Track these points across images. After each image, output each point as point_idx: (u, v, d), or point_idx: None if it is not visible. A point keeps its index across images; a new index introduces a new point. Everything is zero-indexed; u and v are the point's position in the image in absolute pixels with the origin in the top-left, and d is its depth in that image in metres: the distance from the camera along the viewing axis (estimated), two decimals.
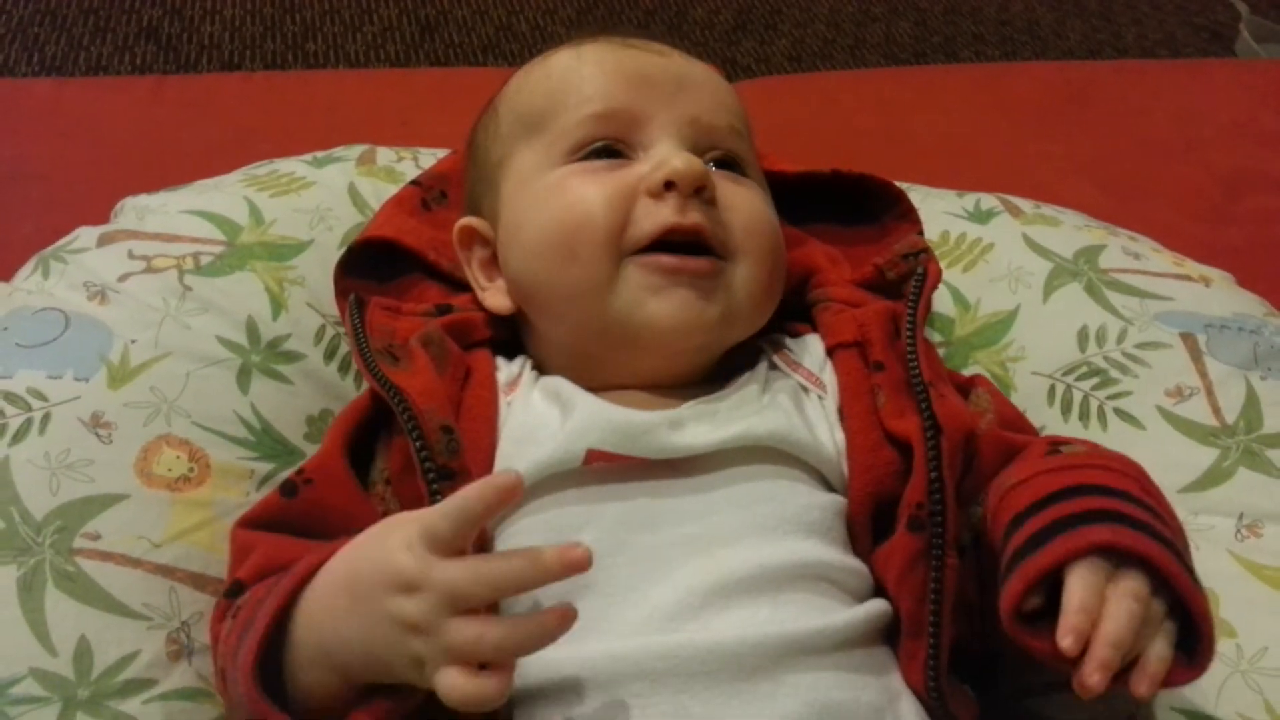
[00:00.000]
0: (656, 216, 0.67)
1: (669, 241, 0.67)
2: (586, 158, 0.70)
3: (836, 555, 0.63)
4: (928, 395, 0.65)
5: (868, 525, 0.65)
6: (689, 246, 0.67)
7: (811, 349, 0.73)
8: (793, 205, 0.82)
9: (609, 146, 0.70)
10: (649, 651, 0.57)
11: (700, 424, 0.65)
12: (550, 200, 0.70)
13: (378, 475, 0.66)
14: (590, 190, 0.68)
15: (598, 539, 0.60)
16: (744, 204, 0.70)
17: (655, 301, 0.67)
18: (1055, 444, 0.64)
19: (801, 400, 0.70)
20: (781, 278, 0.73)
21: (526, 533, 0.62)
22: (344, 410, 0.71)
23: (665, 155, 0.68)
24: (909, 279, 0.73)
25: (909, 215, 0.79)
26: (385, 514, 0.63)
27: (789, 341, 0.75)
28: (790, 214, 0.82)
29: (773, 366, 0.73)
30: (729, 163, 0.72)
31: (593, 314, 0.69)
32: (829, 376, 0.71)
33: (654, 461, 0.64)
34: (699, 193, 0.67)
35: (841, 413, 0.68)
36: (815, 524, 0.64)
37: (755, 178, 0.74)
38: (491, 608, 0.61)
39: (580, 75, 0.73)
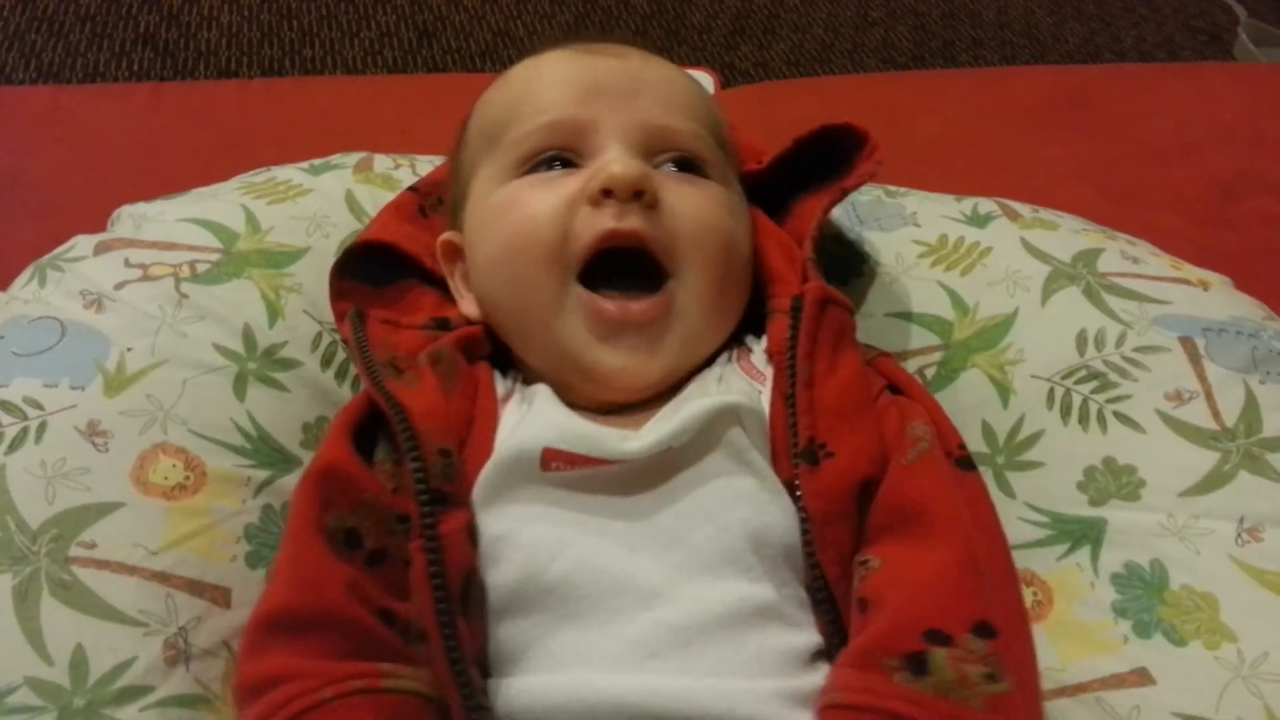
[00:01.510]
0: (595, 224, 0.66)
1: (613, 249, 0.66)
2: (536, 168, 0.70)
3: (819, 579, 0.62)
4: (799, 472, 0.63)
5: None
6: (632, 254, 0.67)
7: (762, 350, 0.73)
8: (777, 191, 0.82)
9: (559, 156, 0.70)
10: (637, 688, 0.56)
11: (655, 423, 0.65)
12: (498, 216, 0.71)
13: (384, 455, 0.66)
14: (534, 203, 0.69)
15: (574, 568, 0.60)
16: (691, 207, 0.69)
17: (602, 349, 0.67)
18: (932, 632, 0.56)
19: (751, 388, 0.70)
20: (738, 282, 0.72)
21: (502, 559, 0.61)
22: (346, 407, 0.70)
23: (603, 162, 0.67)
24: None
25: (874, 153, 0.77)
26: (395, 490, 0.63)
27: (753, 344, 0.75)
28: (781, 206, 0.82)
29: (729, 360, 0.73)
30: (686, 164, 0.71)
31: (545, 337, 0.69)
32: (769, 372, 0.70)
33: (624, 469, 0.63)
34: (639, 197, 0.66)
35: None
36: (794, 548, 0.62)
37: (719, 178, 0.73)
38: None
39: (535, 86, 0.73)
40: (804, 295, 0.69)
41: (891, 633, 0.56)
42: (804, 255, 0.73)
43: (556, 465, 0.62)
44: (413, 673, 0.56)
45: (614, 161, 0.67)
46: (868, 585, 0.59)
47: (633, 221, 0.66)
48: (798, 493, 0.62)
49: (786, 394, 0.66)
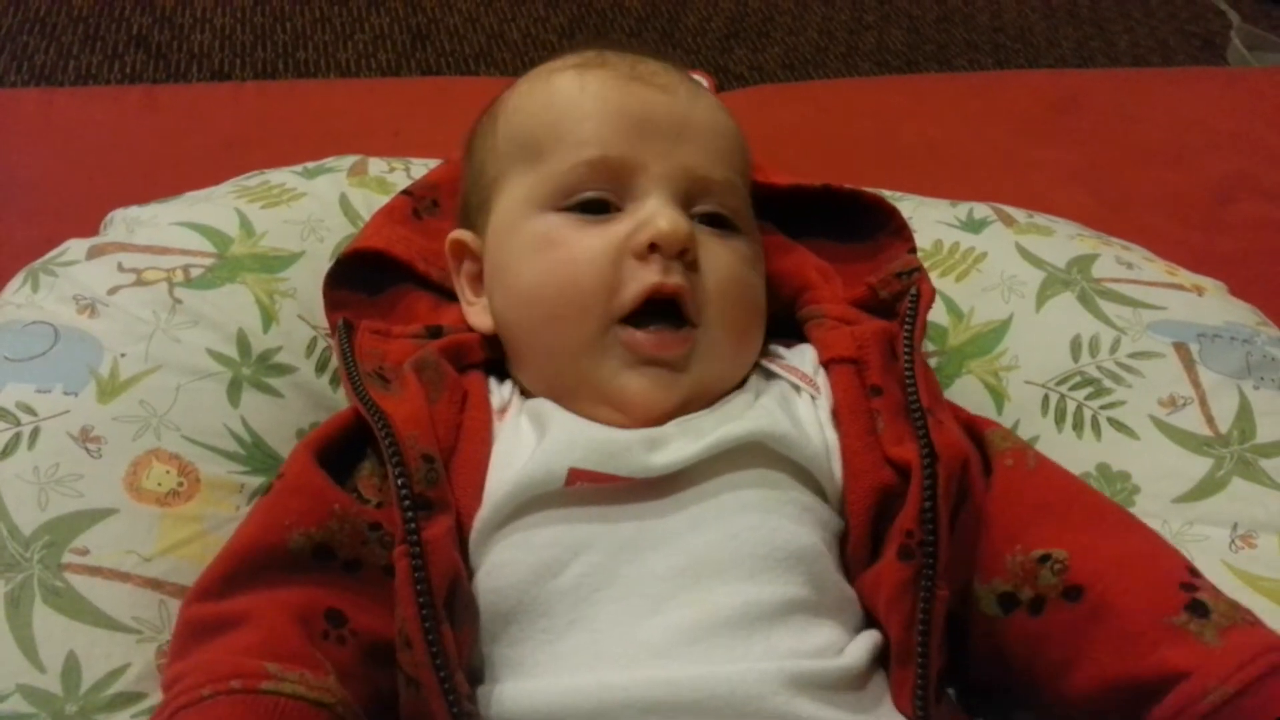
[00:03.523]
0: (642, 279, 0.67)
1: (651, 299, 0.67)
2: (575, 207, 0.70)
3: (828, 585, 0.63)
4: (925, 422, 0.64)
5: (865, 546, 0.65)
6: (667, 308, 0.67)
7: (805, 356, 0.73)
8: (785, 217, 0.82)
9: (600, 198, 0.70)
10: (642, 681, 0.56)
11: (683, 439, 0.65)
12: (540, 253, 0.70)
13: (371, 469, 0.66)
14: (579, 250, 0.68)
15: (586, 573, 0.60)
16: (723, 266, 0.70)
17: (629, 375, 0.67)
18: (1186, 584, 0.59)
19: (790, 400, 0.70)
20: (755, 330, 0.73)
21: (512, 565, 0.62)
22: (320, 426, 0.70)
23: (650, 214, 0.67)
24: (903, 298, 0.73)
25: (901, 232, 0.79)
26: (379, 505, 0.63)
27: (781, 350, 0.75)
28: (783, 226, 0.82)
29: (766, 375, 0.73)
30: (718, 217, 0.72)
31: (569, 371, 0.69)
32: (823, 382, 0.71)
33: (639, 482, 0.63)
34: (682, 255, 0.67)
35: (837, 425, 0.68)
36: (807, 550, 0.63)
37: (746, 228, 0.74)
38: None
39: (581, 111, 0.72)
40: (921, 289, 0.72)
41: (1157, 599, 0.59)
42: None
43: (580, 483, 0.63)
44: (302, 676, 0.55)
45: (661, 217, 0.67)
46: (1075, 574, 0.61)
47: (676, 279, 0.67)
48: (923, 445, 0.63)
49: (906, 367, 0.68)
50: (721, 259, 0.70)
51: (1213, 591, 0.59)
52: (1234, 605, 0.58)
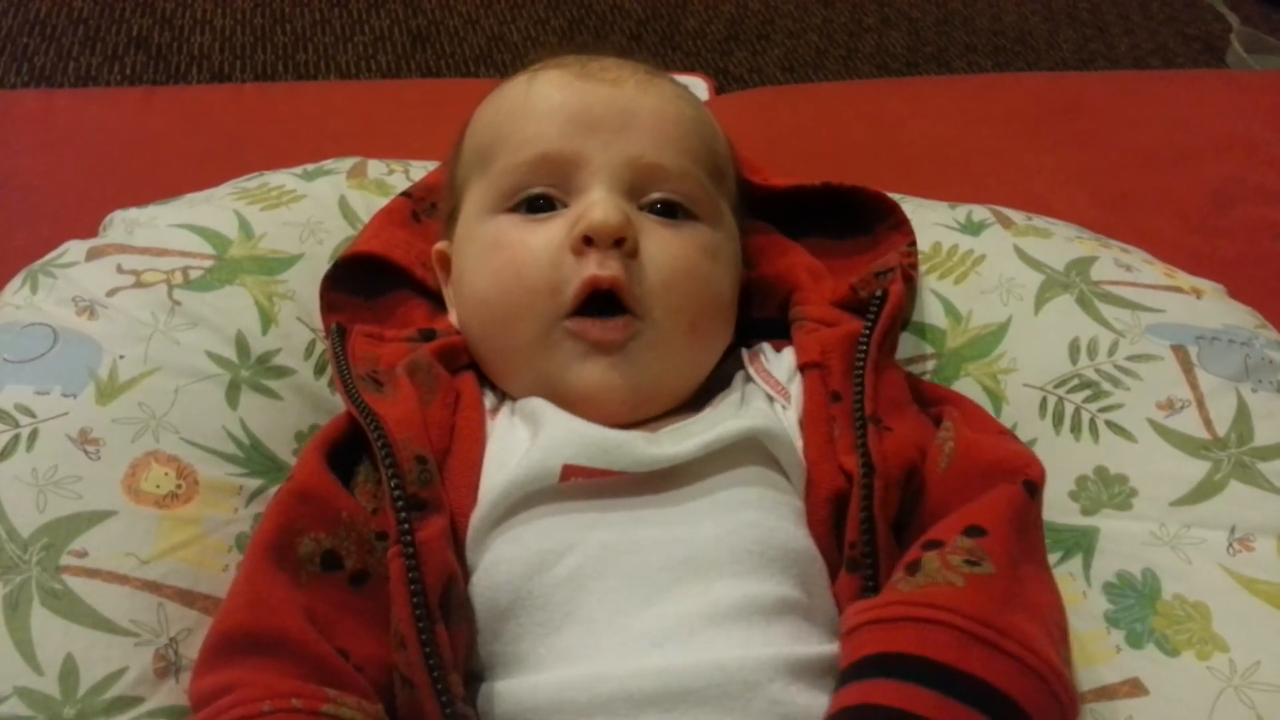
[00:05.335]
0: (581, 273, 0.67)
1: (595, 292, 0.67)
2: (519, 206, 0.71)
3: (818, 591, 0.63)
4: (865, 432, 0.64)
5: (833, 554, 0.64)
6: (608, 299, 0.67)
7: (785, 362, 0.73)
8: (787, 218, 0.82)
9: (543, 194, 0.70)
10: (637, 671, 0.56)
11: (678, 436, 0.65)
12: (485, 259, 0.71)
13: (366, 476, 0.66)
14: (521, 251, 0.69)
15: (581, 564, 0.60)
16: (668, 256, 0.69)
17: (578, 366, 0.68)
18: (929, 543, 0.59)
19: (773, 407, 0.70)
20: (712, 322, 0.73)
21: (508, 560, 0.62)
22: (324, 428, 0.70)
23: (586, 207, 0.68)
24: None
25: (901, 226, 0.79)
26: (375, 511, 0.63)
27: (769, 352, 0.75)
28: (784, 227, 0.82)
29: (748, 378, 0.73)
30: (672, 205, 0.71)
31: (525, 371, 0.70)
32: (795, 389, 0.71)
33: (635, 478, 0.63)
34: (619, 244, 0.67)
35: (802, 431, 0.68)
36: (802, 553, 0.63)
37: (708, 215, 0.73)
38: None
39: (523, 113, 0.73)
40: (889, 291, 0.72)
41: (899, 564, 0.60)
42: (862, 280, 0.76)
43: (575, 479, 0.63)
44: (359, 704, 0.56)
45: (596, 207, 0.67)
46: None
47: (612, 268, 0.67)
48: (861, 456, 0.63)
49: (856, 374, 0.68)
50: (670, 247, 0.69)
51: (948, 553, 0.57)
52: (944, 570, 0.56)
